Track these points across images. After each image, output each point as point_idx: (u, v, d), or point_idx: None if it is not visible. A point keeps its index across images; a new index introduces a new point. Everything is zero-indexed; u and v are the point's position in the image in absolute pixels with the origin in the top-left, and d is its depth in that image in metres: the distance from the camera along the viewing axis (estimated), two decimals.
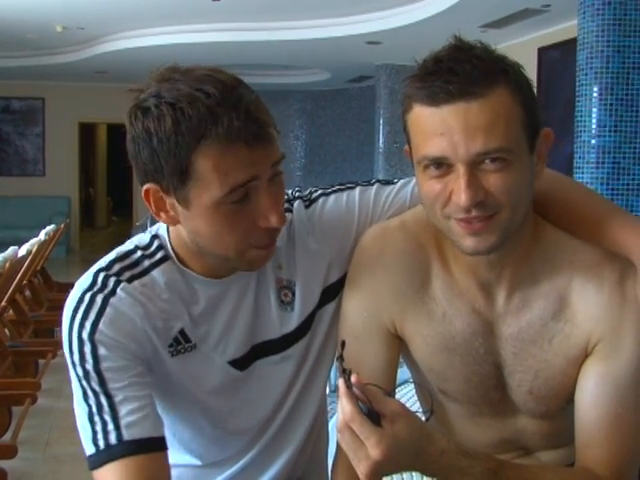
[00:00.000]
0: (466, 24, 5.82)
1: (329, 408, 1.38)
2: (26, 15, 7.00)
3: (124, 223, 13.04)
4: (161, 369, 1.10)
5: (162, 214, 1.05)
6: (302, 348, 1.19)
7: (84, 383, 1.02)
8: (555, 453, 1.20)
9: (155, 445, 1.02)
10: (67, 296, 1.08)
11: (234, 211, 1.00)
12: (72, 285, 1.10)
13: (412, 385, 1.45)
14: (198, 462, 1.23)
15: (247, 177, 0.98)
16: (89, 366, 1.02)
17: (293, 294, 1.17)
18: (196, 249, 1.07)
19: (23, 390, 3.66)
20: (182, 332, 1.10)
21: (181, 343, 1.10)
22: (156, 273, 1.09)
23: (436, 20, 6.17)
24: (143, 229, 1.22)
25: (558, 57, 6.22)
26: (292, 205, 1.21)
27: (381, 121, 8.64)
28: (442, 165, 0.97)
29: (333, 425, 1.30)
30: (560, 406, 1.12)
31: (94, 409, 1.01)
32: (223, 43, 7.56)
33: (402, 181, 1.24)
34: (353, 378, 0.88)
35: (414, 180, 1.22)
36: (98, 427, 1.00)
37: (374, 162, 8.88)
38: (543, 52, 6.48)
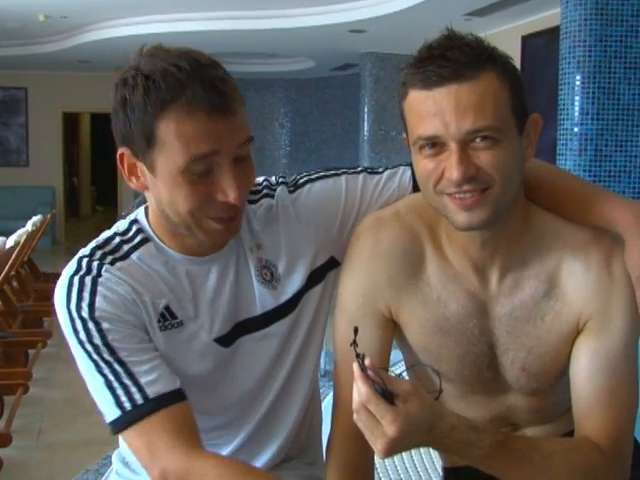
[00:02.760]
0: (450, 12, 5.83)
1: (321, 391, 1.43)
2: (8, 4, 6.93)
3: (109, 212, 12.99)
4: (154, 342, 1.15)
5: (133, 179, 1.12)
6: (286, 327, 1.23)
7: (95, 357, 1.08)
8: (542, 429, 1.25)
9: (178, 396, 1.10)
10: (54, 286, 1.14)
11: (194, 182, 1.06)
12: (59, 275, 1.15)
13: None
14: None
15: (208, 149, 1.03)
16: (97, 341, 1.08)
17: (272, 274, 1.22)
18: (165, 221, 1.13)
19: (15, 380, 3.68)
20: (167, 308, 1.15)
21: (168, 319, 1.15)
22: (135, 256, 1.15)
23: (420, 8, 6.18)
24: None
25: (541, 45, 6.25)
26: (274, 191, 1.26)
27: (366, 109, 8.63)
28: (436, 145, 1.03)
29: (326, 407, 1.34)
30: (550, 382, 1.17)
31: (111, 377, 1.08)
32: (207, 32, 7.52)
33: (388, 171, 1.28)
34: (367, 361, 0.93)
35: (400, 171, 1.27)
36: (120, 392, 1.07)
37: (359, 149, 8.88)
38: (527, 40, 6.52)
